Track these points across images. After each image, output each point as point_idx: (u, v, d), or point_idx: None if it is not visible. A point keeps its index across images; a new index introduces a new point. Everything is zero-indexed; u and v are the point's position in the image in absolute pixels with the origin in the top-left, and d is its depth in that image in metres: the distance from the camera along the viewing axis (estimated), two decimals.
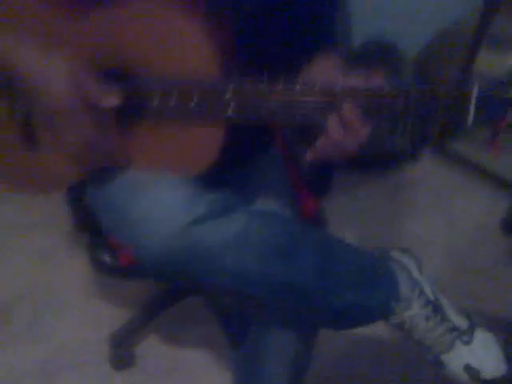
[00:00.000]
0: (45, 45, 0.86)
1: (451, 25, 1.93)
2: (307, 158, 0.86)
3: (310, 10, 1.02)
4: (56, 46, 0.86)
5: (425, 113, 0.86)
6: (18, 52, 0.85)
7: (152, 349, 1.50)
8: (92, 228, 1.15)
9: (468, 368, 0.98)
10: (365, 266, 1.01)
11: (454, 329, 0.99)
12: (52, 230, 1.78)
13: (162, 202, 0.89)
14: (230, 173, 1.03)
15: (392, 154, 1.95)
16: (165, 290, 1.51)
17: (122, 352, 1.46)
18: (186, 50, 0.86)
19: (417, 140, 1.98)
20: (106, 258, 1.20)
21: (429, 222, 1.84)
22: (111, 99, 0.86)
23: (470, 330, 1.00)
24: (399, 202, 1.93)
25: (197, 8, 0.87)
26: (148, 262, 0.90)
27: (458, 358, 0.99)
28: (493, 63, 1.74)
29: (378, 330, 1.11)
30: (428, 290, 1.01)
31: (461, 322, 1.01)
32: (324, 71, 0.92)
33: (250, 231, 0.91)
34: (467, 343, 0.99)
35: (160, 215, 0.88)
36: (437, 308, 1.00)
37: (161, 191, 0.91)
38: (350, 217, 1.82)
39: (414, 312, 0.98)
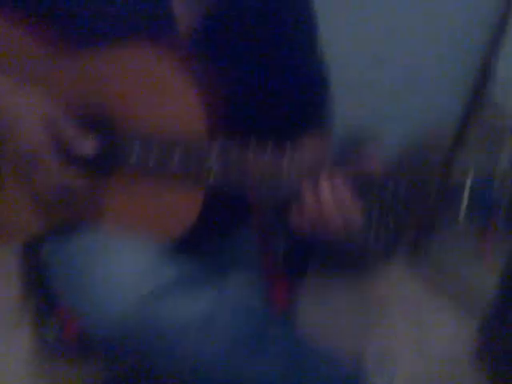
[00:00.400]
0: (24, 80, 0.81)
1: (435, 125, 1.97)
2: (292, 224, 0.81)
3: (300, 92, 1.02)
4: (35, 83, 0.82)
5: (412, 202, 0.81)
6: None
7: None
8: (41, 291, 1.05)
9: None
10: (332, 378, 0.94)
11: None
12: None
13: (123, 265, 0.82)
14: (202, 243, 0.96)
15: (364, 250, 1.91)
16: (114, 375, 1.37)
17: None
18: (174, 105, 0.82)
19: (392, 239, 1.96)
20: (51, 331, 1.09)
21: (398, 332, 1.75)
22: (85, 146, 0.81)
23: None
24: (368, 305, 1.86)
25: (189, 65, 0.85)
26: (98, 334, 0.81)
27: None
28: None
29: None
30: None
31: None
32: (312, 149, 0.89)
33: (216, 315, 0.84)
34: None
35: (119, 279, 0.80)
36: None
37: (124, 254, 0.84)
38: (320, 314, 1.73)
39: None
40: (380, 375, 1.01)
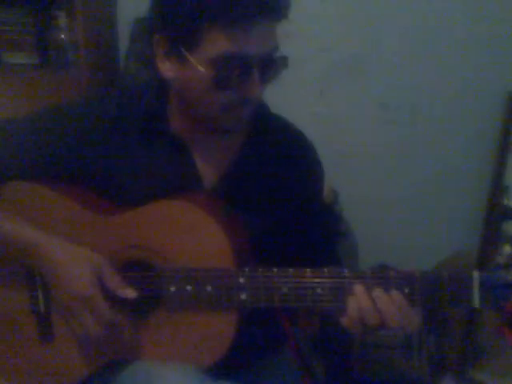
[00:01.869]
0: (71, 239, 0.96)
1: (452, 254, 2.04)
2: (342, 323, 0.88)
3: (316, 234, 1.13)
4: (81, 240, 0.96)
5: (431, 299, 0.88)
6: (47, 245, 0.95)
7: None
8: None
9: None
10: None
11: None
12: None
13: None
14: (242, 367, 1.01)
15: (410, 380, 1.87)
16: None
17: None
18: (205, 246, 0.94)
19: (435, 366, 1.92)
20: None
21: None
22: (128, 291, 0.93)
23: None
24: None
25: (215, 209, 0.98)
26: None
27: None
28: None
29: None
30: None
31: None
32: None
33: None
34: None
35: None
36: None
37: (172, 379, 0.90)
38: None
39: None
40: None
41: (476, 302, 0.85)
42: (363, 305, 0.86)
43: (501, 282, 0.85)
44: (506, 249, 1.72)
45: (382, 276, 0.88)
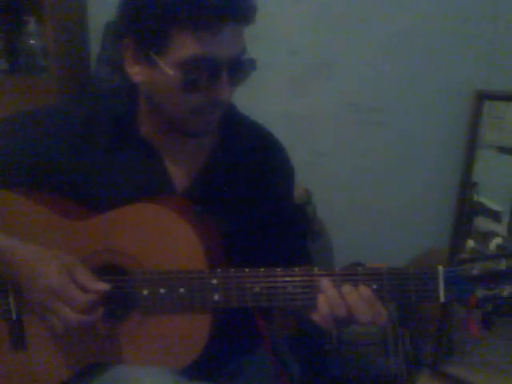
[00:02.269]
0: (43, 244, 0.96)
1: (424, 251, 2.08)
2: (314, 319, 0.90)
3: (286, 235, 1.14)
4: (53, 245, 0.96)
5: (398, 294, 0.90)
6: (17, 250, 0.95)
7: None
8: None
9: None
10: None
11: None
12: None
13: None
14: (217, 368, 1.01)
15: (387, 376, 1.90)
16: None
17: None
18: (177, 249, 0.94)
19: (411, 362, 1.95)
20: None
21: None
22: (100, 284, 0.92)
23: None
24: None
25: (187, 211, 0.99)
26: None
27: None
28: None
29: None
30: None
31: None
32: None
33: None
34: None
35: None
36: None
37: (146, 381, 0.91)
38: None
39: None
40: None
41: (442, 296, 0.87)
42: (332, 301, 0.88)
43: (465, 275, 0.88)
44: (470, 243, 1.77)
45: (350, 273, 0.90)
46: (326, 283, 0.89)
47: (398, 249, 2.06)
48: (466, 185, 1.88)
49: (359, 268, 0.91)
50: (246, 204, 1.07)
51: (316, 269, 0.90)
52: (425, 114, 2.00)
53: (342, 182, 2.12)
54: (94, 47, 2.03)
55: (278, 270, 0.91)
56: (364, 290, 0.88)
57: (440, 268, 0.88)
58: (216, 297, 0.92)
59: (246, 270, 0.92)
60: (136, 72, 0.93)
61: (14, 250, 0.94)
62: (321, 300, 0.89)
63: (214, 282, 0.92)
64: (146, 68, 0.91)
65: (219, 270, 0.93)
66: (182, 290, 0.93)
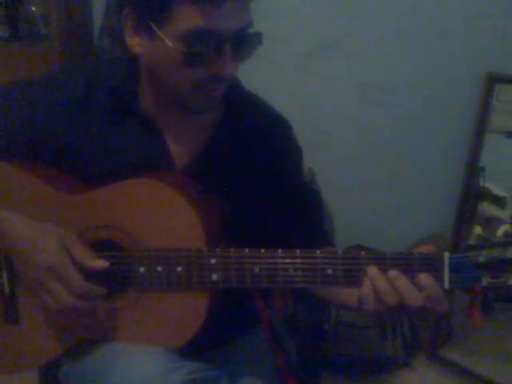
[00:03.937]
0: (38, 218, 0.93)
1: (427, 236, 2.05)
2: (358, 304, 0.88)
3: (287, 215, 1.10)
4: (48, 219, 0.93)
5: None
6: (12, 223, 0.92)
7: None
8: None
9: None
10: None
11: None
12: None
13: (139, 369, 0.87)
14: (214, 347, 1.00)
15: (384, 359, 1.90)
16: None
17: None
18: (176, 226, 0.92)
19: (409, 346, 1.95)
20: None
21: None
22: (99, 262, 0.90)
23: None
24: None
25: (187, 188, 0.96)
26: None
27: None
28: None
29: None
30: None
31: None
32: None
33: None
34: None
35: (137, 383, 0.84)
36: None
37: (139, 359, 0.89)
38: None
39: None
40: None
41: (446, 282, 0.85)
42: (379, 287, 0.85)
43: (470, 262, 0.86)
44: (477, 230, 1.74)
45: (351, 256, 0.87)
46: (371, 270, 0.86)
47: (401, 232, 2.03)
48: (473, 169, 1.85)
49: (362, 252, 0.88)
50: (251, 183, 1.04)
51: (318, 251, 0.88)
52: (434, 95, 1.95)
53: (347, 163, 2.09)
54: (98, 17, 1.98)
55: (279, 251, 0.89)
56: (395, 272, 0.85)
57: (445, 254, 0.85)
58: (214, 276, 0.90)
59: (246, 250, 0.90)
60: (136, 43, 0.89)
61: (11, 223, 0.92)
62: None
63: (213, 261, 0.90)
64: (146, 39, 0.87)
65: (218, 249, 0.91)
66: (179, 268, 0.91)
